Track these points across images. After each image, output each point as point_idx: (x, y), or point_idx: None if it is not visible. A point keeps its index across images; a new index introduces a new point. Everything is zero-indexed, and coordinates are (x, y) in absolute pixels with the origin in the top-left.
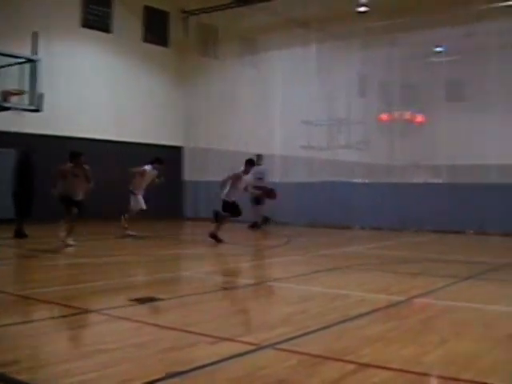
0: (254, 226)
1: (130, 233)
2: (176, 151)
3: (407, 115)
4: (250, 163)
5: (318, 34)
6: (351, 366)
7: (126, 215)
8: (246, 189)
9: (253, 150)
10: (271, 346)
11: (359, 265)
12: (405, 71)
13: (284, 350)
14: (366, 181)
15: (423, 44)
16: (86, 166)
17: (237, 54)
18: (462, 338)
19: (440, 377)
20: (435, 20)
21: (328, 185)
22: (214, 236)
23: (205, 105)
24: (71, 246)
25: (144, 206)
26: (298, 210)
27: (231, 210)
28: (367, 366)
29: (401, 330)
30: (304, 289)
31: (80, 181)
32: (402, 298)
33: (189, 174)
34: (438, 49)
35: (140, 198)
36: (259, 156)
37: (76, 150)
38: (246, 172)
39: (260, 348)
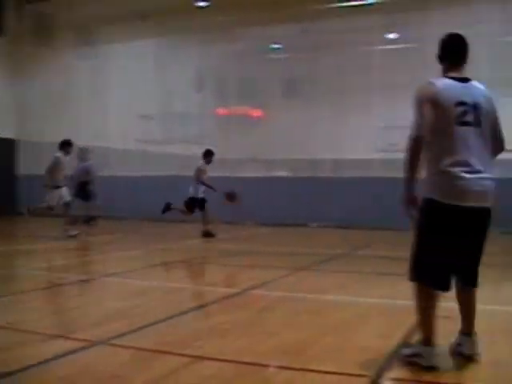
0: (90, 220)
1: (72, 233)
2: (9, 144)
3: (244, 110)
4: (210, 153)
5: (157, 27)
6: (185, 359)
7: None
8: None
9: (91, 144)
10: (104, 341)
11: (195, 258)
12: (243, 67)
13: (117, 346)
14: None
15: (261, 40)
16: None
17: (75, 46)
18: (295, 328)
19: (273, 366)
20: (273, 17)
21: (164, 178)
22: (207, 234)
23: (41, 96)
24: None
25: (68, 198)
26: (133, 204)
27: (199, 206)
28: (200, 358)
29: (235, 322)
30: (139, 283)
31: None
32: (236, 290)
33: (24, 167)
34: (276, 45)
35: (64, 189)
36: (83, 149)
37: None
38: (208, 162)
39: (93, 344)
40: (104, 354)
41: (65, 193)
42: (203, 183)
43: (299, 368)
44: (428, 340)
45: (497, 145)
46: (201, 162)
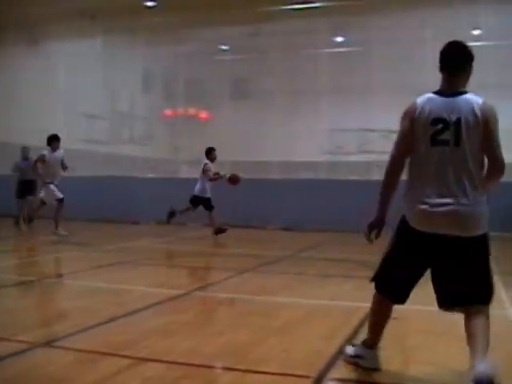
0: (18, 220)
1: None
2: None
3: (192, 111)
4: (212, 151)
5: (104, 26)
6: (128, 361)
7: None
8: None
9: (37, 144)
10: (48, 343)
11: (142, 259)
12: (191, 68)
13: (61, 348)
14: (150, 176)
15: (209, 42)
16: None
17: (21, 44)
18: (240, 329)
19: (217, 367)
20: (221, 19)
21: (112, 179)
22: (219, 231)
23: None
24: None
25: (60, 195)
26: (80, 204)
27: (205, 205)
28: (145, 359)
29: (181, 323)
30: (85, 284)
31: None
32: (183, 292)
33: None
34: (224, 47)
35: (52, 186)
36: (26, 149)
37: None
38: (212, 160)
39: (36, 346)
40: (47, 355)
41: (54, 189)
42: (212, 179)
43: (244, 369)
44: (372, 342)
45: (494, 167)
46: (205, 160)
